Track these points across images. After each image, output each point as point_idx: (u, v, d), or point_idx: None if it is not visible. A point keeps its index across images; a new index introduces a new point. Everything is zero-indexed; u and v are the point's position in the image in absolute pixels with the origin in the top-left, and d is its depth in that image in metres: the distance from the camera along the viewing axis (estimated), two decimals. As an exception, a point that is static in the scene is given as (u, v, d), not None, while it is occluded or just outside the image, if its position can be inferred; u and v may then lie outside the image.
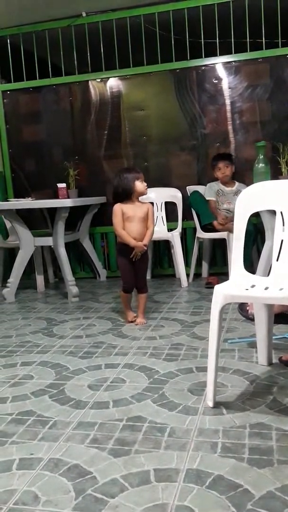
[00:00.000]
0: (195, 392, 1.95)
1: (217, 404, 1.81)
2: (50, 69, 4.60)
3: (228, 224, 3.80)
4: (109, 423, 1.73)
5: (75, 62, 4.53)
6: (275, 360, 2.21)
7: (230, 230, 3.63)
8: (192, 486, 1.33)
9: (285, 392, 1.90)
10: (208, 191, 4.11)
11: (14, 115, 4.77)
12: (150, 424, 1.71)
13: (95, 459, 1.50)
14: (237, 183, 4.13)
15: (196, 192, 4.04)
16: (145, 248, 2.99)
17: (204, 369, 2.08)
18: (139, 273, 3.04)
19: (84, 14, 4.43)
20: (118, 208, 2.95)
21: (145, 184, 2.98)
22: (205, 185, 4.17)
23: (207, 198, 4.10)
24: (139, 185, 2.94)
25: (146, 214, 2.98)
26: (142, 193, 2.97)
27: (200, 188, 4.15)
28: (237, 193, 4.07)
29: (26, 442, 1.63)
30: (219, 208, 4.09)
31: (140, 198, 3.04)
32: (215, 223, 3.92)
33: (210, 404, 1.81)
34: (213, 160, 4.15)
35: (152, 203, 4.29)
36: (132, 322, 3.01)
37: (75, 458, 1.51)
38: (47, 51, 4.56)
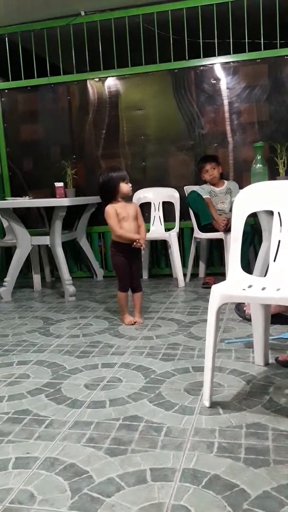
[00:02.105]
0: (191, 391, 1.95)
1: (213, 404, 1.81)
2: (48, 68, 4.59)
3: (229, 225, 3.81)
4: (106, 423, 1.73)
5: (74, 61, 4.53)
6: (271, 360, 2.21)
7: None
8: (188, 486, 1.33)
9: (282, 392, 1.90)
10: (201, 191, 4.10)
11: (11, 114, 4.76)
12: (146, 423, 1.71)
13: (92, 459, 1.50)
14: (226, 182, 4.14)
15: (194, 192, 4.04)
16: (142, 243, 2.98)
17: (200, 369, 2.09)
18: (134, 272, 3.04)
19: (82, 13, 4.42)
20: (112, 209, 2.94)
21: (130, 185, 2.97)
22: (202, 185, 4.17)
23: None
24: (124, 186, 2.93)
25: (136, 212, 3.00)
26: (127, 195, 2.97)
27: (197, 188, 4.15)
28: (227, 191, 4.09)
29: (22, 441, 1.63)
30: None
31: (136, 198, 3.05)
32: (217, 225, 3.91)
33: (207, 404, 1.81)
34: (199, 163, 4.19)
35: (149, 203, 4.36)
36: (129, 325, 2.99)
37: (72, 457, 1.51)
38: (46, 50, 4.55)
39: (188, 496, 1.29)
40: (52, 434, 1.67)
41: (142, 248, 2.98)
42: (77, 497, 1.31)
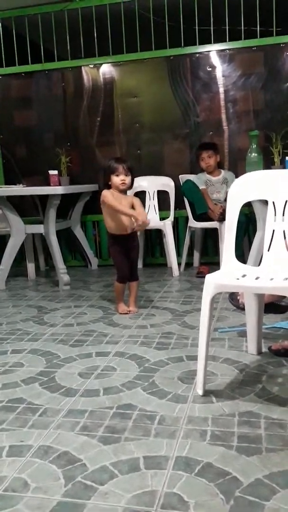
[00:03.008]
0: (185, 380, 1.96)
1: (206, 393, 1.83)
2: (42, 54, 4.53)
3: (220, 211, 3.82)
4: (99, 411, 1.74)
5: (68, 47, 4.47)
6: (264, 349, 2.23)
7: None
8: (181, 474, 1.34)
9: (274, 381, 1.91)
10: (197, 181, 4.09)
11: (5, 101, 4.71)
12: (140, 412, 1.72)
13: (85, 447, 1.51)
14: (223, 171, 4.12)
15: (189, 181, 4.03)
16: (146, 222, 2.81)
17: (194, 358, 2.10)
18: (132, 261, 3.04)
19: (77, -2, 4.37)
20: (108, 192, 2.92)
21: (122, 178, 2.88)
22: (198, 174, 4.16)
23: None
24: (114, 179, 2.90)
25: (132, 205, 2.95)
26: (118, 188, 2.92)
27: (193, 177, 4.13)
28: (223, 181, 4.08)
29: (16, 430, 1.64)
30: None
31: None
32: (212, 215, 3.91)
33: (200, 392, 1.82)
34: (196, 150, 4.15)
35: (144, 192, 4.34)
36: (124, 314, 3.00)
37: (65, 446, 1.52)
38: (40, 36, 4.49)
39: (181, 483, 1.30)
40: (46, 423, 1.67)
41: (144, 221, 2.78)
42: (71, 485, 1.32)
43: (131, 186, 3.01)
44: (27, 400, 1.86)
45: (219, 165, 4.15)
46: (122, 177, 2.89)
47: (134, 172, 3.03)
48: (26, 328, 2.81)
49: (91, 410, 1.75)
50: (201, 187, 4.06)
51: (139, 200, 3.03)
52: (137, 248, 3.13)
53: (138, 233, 4.34)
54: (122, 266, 3.02)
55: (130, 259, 3.03)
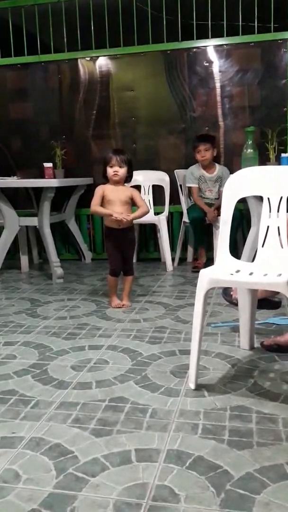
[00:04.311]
0: (177, 374, 1.97)
1: (198, 387, 1.83)
2: (39, 46, 4.50)
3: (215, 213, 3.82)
4: (92, 404, 1.74)
5: (65, 39, 4.44)
6: (257, 344, 2.24)
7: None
8: (173, 467, 1.35)
9: (266, 376, 1.93)
10: (189, 177, 4.06)
11: (0, 92, 4.67)
12: (132, 405, 1.72)
13: (77, 439, 1.51)
14: (218, 167, 4.08)
15: (195, 212, 3.95)
16: (127, 219, 2.87)
17: (187, 352, 2.10)
18: (126, 256, 3.04)
19: (74, -10, 4.34)
20: (99, 189, 2.94)
21: (115, 169, 2.89)
22: (192, 167, 4.13)
23: (188, 185, 4.07)
24: (108, 170, 2.92)
25: (130, 198, 2.95)
26: (110, 179, 2.92)
27: (187, 171, 4.10)
28: (217, 180, 4.05)
29: (8, 421, 1.64)
30: (202, 196, 4.06)
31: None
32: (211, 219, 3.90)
33: (192, 386, 1.83)
34: (194, 141, 4.09)
35: (139, 186, 4.33)
36: (117, 308, 3.00)
37: (57, 438, 1.52)
38: (36, 27, 4.46)
39: (172, 476, 1.31)
40: (38, 415, 1.67)
41: (121, 219, 2.86)
42: (62, 477, 1.32)
43: (128, 178, 3.00)
44: (19, 392, 1.86)
45: (216, 160, 4.13)
46: (115, 168, 2.89)
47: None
48: (19, 320, 2.80)
49: (84, 402, 1.75)
50: (191, 185, 4.04)
51: (138, 192, 3.03)
52: (131, 243, 3.12)
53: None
54: (114, 259, 3.01)
55: (123, 253, 3.02)
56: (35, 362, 2.16)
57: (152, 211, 4.31)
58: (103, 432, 1.55)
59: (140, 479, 1.30)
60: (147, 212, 3.00)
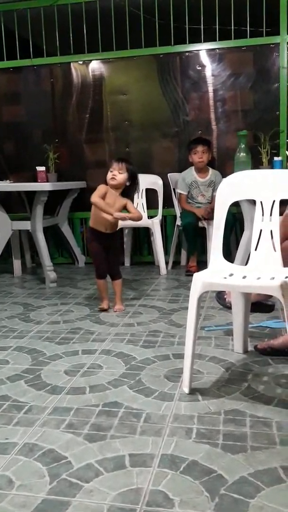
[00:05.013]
0: (171, 378, 1.97)
1: (192, 391, 1.83)
2: (31, 49, 4.50)
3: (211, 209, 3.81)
4: (85, 409, 1.73)
5: (57, 43, 4.44)
6: (250, 348, 2.24)
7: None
8: (167, 471, 1.35)
9: (260, 379, 1.93)
10: (181, 183, 4.05)
11: (-7, 95, 4.67)
12: (126, 409, 1.72)
13: (71, 444, 1.50)
14: (211, 171, 4.09)
15: (189, 218, 3.93)
16: (117, 217, 2.86)
17: (180, 356, 2.10)
18: (111, 259, 3.03)
19: (67, -6, 4.34)
20: (103, 187, 2.92)
21: (114, 174, 2.89)
22: (186, 171, 4.14)
23: (178, 191, 4.07)
24: (108, 174, 2.93)
25: (123, 206, 2.94)
26: (108, 183, 2.92)
27: (179, 176, 4.11)
28: (210, 184, 4.06)
29: (1, 427, 1.62)
30: (193, 201, 4.06)
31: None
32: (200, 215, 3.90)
33: (186, 390, 1.83)
34: (191, 142, 4.07)
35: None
36: (104, 311, 2.99)
37: (51, 443, 1.51)
38: (29, 31, 4.45)
39: (166, 481, 1.30)
40: (31, 420, 1.66)
41: (113, 218, 2.86)
42: (56, 483, 1.31)
43: (130, 190, 2.98)
44: (12, 397, 1.85)
45: (211, 164, 4.14)
46: (114, 172, 2.90)
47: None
48: (11, 325, 2.78)
49: (77, 408, 1.74)
50: (180, 191, 4.03)
51: (132, 203, 3.01)
52: (117, 247, 3.10)
53: (125, 231, 4.36)
54: (99, 262, 3.01)
55: (109, 256, 3.01)
56: (28, 367, 2.14)
57: (145, 215, 4.32)
58: (97, 437, 1.54)
59: (134, 484, 1.30)
60: (140, 218, 2.98)
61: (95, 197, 2.86)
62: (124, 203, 2.95)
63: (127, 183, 2.94)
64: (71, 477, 1.34)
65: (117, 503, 1.22)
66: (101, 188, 2.91)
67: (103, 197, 2.89)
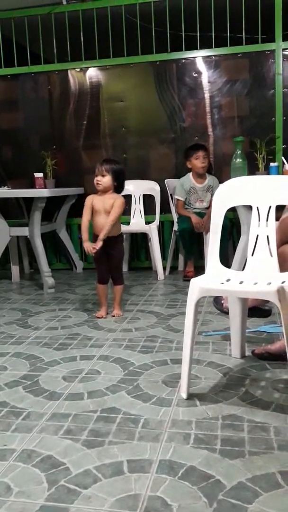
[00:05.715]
0: (169, 384, 1.97)
1: (190, 396, 1.83)
2: (29, 56, 4.52)
3: (205, 224, 3.81)
4: (83, 415, 1.73)
5: (55, 50, 4.47)
6: (248, 353, 2.25)
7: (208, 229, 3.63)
8: (165, 477, 1.35)
9: (257, 384, 1.93)
10: (179, 189, 4.05)
11: (-9, 102, 4.69)
12: (124, 415, 1.72)
13: (69, 450, 1.50)
14: (208, 177, 4.09)
15: (185, 228, 3.92)
16: (97, 247, 2.86)
17: (178, 361, 2.10)
18: (112, 264, 3.03)
19: (64, 2, 4.37)
20: (88, 199, 2.96)
21: (98, 179, 2.91)
22: (183, 177, 4.15)
23: (176, 197, 4.07)
24: (94, 180, 2.95)
25: (112, 206, 2.92)
26: (96, 187, 2.95)
27: (177, 183, 4.12)
28: (208, 189, 4.07)
29: (-1, 434, 1.62)
30: (190, 207, 4.07)
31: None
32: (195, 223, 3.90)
33: (184, 395, 1.83)
34: (190, 148, 4.05)
35: (130, 196, 4.34)
36: (100, 318, 2.98)
37: (49, 449, 1.51)
38: (26, 38, 4.48)
39: (164, 487, 1.31)
40: (29, 426, 1.66)
41: (92, 250, 2.87)
42: (54, 489, 1.31)
43: (118, 188, 2.99)
44: (11, 403, 1.85)
45: (207, 170, 4.14)
46: (98, 177, 2.92)
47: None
48: (9, 331, 2.78)
49: (75, 413, 1.74)
50: (178, 197, 4.04)
51: (122, 201, 2.96)
52: (118, 253, 3.07)
53: (124, 236, 4.36)
54: (100, 267, 3.03)
55: (110, 261, 3.02)
56: (26, 373, 2.14)
57: (143, 221, 4.34)
58: (95, 443, 1.54)
59: (132, 490, 1.30)
60: (113, 221, 2.89)
61: (82, 223, 2.94)
62: (112, 202, 2.93)
63: (115, 183, 2.95)
64: (70, 483, 1.34)
65: (115, 509, 1.22)
66: (86, 203, 2.95)
67: (92, 208, 2.92)
